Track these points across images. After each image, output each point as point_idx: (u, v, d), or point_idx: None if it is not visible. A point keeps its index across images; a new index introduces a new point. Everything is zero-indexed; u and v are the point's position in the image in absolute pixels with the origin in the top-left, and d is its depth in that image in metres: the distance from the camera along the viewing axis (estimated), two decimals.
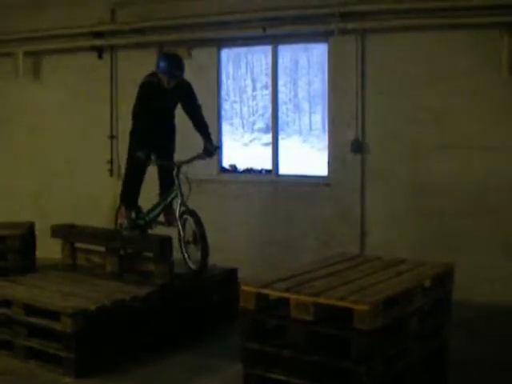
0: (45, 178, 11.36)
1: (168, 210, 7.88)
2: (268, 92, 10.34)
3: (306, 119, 10.42)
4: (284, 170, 9.92)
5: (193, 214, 7.32)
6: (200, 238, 7.18)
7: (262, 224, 9.66)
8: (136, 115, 7.76)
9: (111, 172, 10.87)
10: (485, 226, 8.56)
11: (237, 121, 10.48)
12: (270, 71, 10.11)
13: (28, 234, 8.85)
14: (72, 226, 8.02)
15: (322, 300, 4.92)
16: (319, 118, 10.38)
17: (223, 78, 10.37)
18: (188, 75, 9.93)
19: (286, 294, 5.08)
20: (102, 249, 7.65)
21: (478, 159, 8.59)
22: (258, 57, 10.42)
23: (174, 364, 6.39)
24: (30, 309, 6.38)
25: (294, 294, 5.02)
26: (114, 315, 6.30)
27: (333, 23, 9.04)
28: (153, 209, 7.95)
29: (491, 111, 8.56)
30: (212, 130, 9.77)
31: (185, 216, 7.41)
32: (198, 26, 10.02)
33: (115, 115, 10.85)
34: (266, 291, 5.23)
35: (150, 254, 7.35)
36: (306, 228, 9.46)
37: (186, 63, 10.19)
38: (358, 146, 9.11)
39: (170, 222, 7.88)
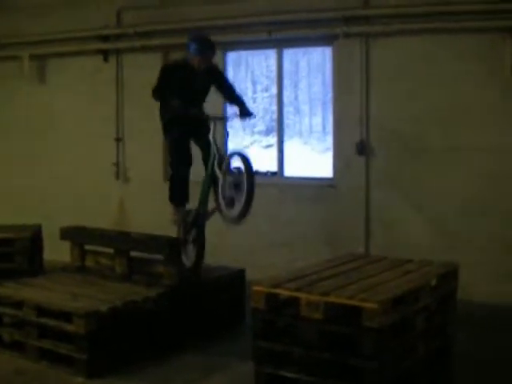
0: (50, 181, 11.42)
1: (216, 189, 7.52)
2: (268, 94, 10.40)
3: (306, 121, 10.44)
4: (288, 172, 10.01)
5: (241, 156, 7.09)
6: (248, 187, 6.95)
7: (269, 226, 9.73)
8: (155, 92, 7.58)
9: (117, 175, 10.95)
10: (488, 226, 8.65)
11: (237, 123, 10.50)
12: (270, 74, 10.22)
13: (36, 237, 8.90)
14: (81, 228, 8.07)
15: (332, 299, 5.01)
16: (319, 121, 10.42)
17: None
18: None
19: (296, 294, 5.17)
20: (112, 250, 7.69)
21: (481, 161, 8.66)
22: (258, 59, 10.46)
23: (185, 364, 6.46)
24: (41, 310, 6.43)
25: (305, 294, 5.11)
26: (125, 316, 6.37)
27: (337, 27, 9.13)
28: (201, 195, 7.73)
29: (495, 114, 8.64)
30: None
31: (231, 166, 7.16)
32: (203, 30, 10.06)
33: (121, 118, 10.93)
34: (276, 291, 5.32)
35: (159, 256, 7.38)
36: (311, 229, 9.53)
37: None
38: (363, 148, 9.19)
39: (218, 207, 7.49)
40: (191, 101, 7.43)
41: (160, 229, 8.09)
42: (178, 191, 7.76)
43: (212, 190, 7.62)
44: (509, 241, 8.53)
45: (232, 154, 7.26)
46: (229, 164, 7.17)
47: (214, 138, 7.41)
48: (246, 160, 6.97)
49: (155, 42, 10.53)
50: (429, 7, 8.83)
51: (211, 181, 7.54)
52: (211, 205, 7.71)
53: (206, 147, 7.59)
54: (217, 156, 7.35)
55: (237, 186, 7.03)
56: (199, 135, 7.67)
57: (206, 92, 7.84)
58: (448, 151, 8.79)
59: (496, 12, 8.53)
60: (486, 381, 5.98)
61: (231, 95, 7.86)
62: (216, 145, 7.40)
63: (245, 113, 7.70)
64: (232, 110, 8.32)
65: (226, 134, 8.57)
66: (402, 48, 9.01)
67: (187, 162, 7.70)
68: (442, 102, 8.86)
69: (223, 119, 7.78)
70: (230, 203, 7.13)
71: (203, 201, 7.67)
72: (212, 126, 7.42)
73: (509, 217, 8.57)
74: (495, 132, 8.62)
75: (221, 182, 7.25)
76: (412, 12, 8.91)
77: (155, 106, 10.34)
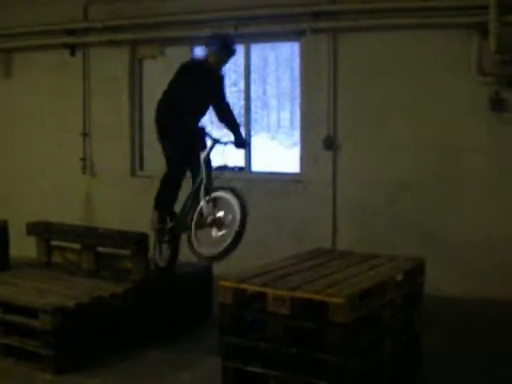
0: (17, 176, 11.35)
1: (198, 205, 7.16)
2: (236, 89, 10.41)
3: (274, 116, 10.48)
4: (255, 167, 10.02)
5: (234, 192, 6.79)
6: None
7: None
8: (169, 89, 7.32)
9: (84, 169, 10.90)
10: (458, 221, 8.73)
11: (205, 118, 10.50)
12: (238, 68, 10.21)
13: (1, 232, 8.81)
14: (47, 224, 8.01)
15: (298, 294, 5.03)
16: (287, 116, 10.46)
17: None
18: (160, 73, 10.04)
19: (263, 289, 5.18)
20: (78, 246, 7.66)
21: (448, 157, 8.74)
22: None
23: (154, 359, 6.44)
24: (7, 306, 6.37)
25: (272, 289, 5.12)
26: (92, 312, 6.34)
27: (305, 23, 9.16)
28: (182, 208, 7.36)
29: (461, 110, 8.71)
30: None
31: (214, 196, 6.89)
32: (170, 25, 10.08)
33: (88, 112, 10.87)
34: (243, 286, 5.33)
35: (127, 252, 7.35)
36: (279, 224, 9.57)
37: (159, 62, 10.34)
38: (331, 143, 9.23)
39: (202, 223, 7.09)
40: (199, 103, 7.27)
41: (127, 224, 8.08)
42: (169, 198, 7.38)
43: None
44: (473, 236, 8.64)
45: (224, 189, 6.96)
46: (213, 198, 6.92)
47: (205, 159, 7.13)
48: (241, 200, 6.68)
49: (123, 36, 10.49)
50: (396, 3, 8.88)
51: (194, 199, 7.19)
52: None
53: (196, 162, 7.21)
54: (204, 181, 7.02)
55: (219, 223, 6.81)
56: (195, 146, 7.25)
57: (213, 96, 7.50)
58: (415, 147, 8.86)
59: (463, 8, 8.61)
60: (452, 375, 6.02)
61: (227, 117, 7.66)
62: (206, 169, 7.09)
63: (239, 143, 7.56)
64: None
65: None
66: (370, 44, 9.06)
67: (185, 166, 7.38)
68: (410, 97, 8.92)
69: (220, 143, 7.28)
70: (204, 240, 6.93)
71: (184, 213, 7.27)
72: (208, 146, 7.18)
73: (472, 213, 8.68)
74: (461, 128, 8.70)
75: (202, 210, 6.96)
76: (379, 7, 8.97)
77: (122, 100, 10.34)
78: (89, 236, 7.60)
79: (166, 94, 7.30)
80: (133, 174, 10.65)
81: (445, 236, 8.73)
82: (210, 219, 6.85)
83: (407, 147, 8.91)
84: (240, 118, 10.24)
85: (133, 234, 7.37)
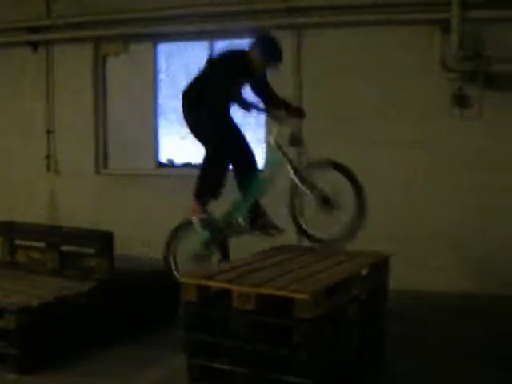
0: None
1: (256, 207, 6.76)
2: None
3: (239, 113, 10.47)
4: None
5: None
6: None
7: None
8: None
9: (48, 167, 10.82)
10: (422, 215, 8.80)
11: (172, 115, 10.46)
12: None
13: None
14: (11, 223, 7.95)
15: (263, 290, 5.03)
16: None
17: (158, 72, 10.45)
18: (124, 70, 10.00)
19: (228, 286, 5.18)
20: (43, 245, 7.58)
21: (412, 152, 8.81)
22: (192, 51, 10.44)
23: (119, 358, 6.40)
24: None
25: (236, 285, 5.12)
26: (57, 311, 6.28)
27: (269, 19, 9.17)
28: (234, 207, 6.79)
29: (423, 105, 8.79)
30: (148, 124, 9.88)
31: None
32: (134, 22, 10.04)
33: (52, 110, 10.80)
34: (208, 283, 5.32)
35: (91, 250, 7.30)
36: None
37: (122, 59, 10.29)
38: (294, 139, 9.22)
39: (263, 226, 6.75)
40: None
41: (92, 222, 8.04)
42: (213, 183, 6.74)
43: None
44: (437, 231, 8.72)
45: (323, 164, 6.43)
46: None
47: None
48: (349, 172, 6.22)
49: (86, 33, 10.43)
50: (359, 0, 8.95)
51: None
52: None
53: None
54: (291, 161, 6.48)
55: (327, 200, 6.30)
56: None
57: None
58: (377, 143, 8.92)
59: (426, 5, 8.69)
60: (418, 368, 6.08)
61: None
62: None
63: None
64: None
65: None
66: (333, 40, 9.11)
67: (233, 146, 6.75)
68: (374, 94, 8.98)
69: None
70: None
71: (242, 211, 6.78)
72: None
73: (435, 207, 8.75)
74: (423, 124, 8.77)
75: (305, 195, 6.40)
76: (343, 4, 9.04)
77: (86, 97, 10.27)
78: (53, 235, 7.53)
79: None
80: (97, 171, 10.60)
81: (409, 230, 8.80)
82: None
83: (371, 143, 8.97)
84: None
85: (97, 232, 7.34)
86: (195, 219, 6.78)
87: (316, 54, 9.18)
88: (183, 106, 6.78)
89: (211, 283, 5.32)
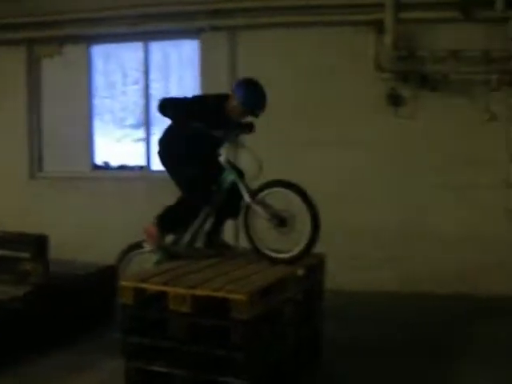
0: None
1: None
2: (138, 88, 10.35)
3: None
4: (155, 165, 9.92)
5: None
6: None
7: (138, 220, 9.65)
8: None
9: None
10: (355, 214, 8.90)
11: (107, 117, 10.41)
12: (140, 67, 10.15)
13: None
14: None
15: (198, 292, 5.04)
16: None
17: (93, 73, 10.38)
18: (59, 72, 9.89)
19: (163, 288, 5.18)
20: None
21: (346, 152, 8.90)
22: (128, 52, 10.39)
23: (54, 362, 6.34)
24: None
25: (172, 287, 5.13)
26: None
27: (203, 20, 9.19)
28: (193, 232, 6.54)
29: (359, 105, 8.90)
30: (83, 126, 9.78)
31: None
32: (68, 23, 9.93)
33: None
34: (144, 286, 5.31)
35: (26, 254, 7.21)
36: None
37: (57, 60, 10.17)
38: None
39: (213, 246, 6.54)
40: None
41: (27, 226, 7.95)
42: (180, 221, 6.55)
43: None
44: (367, 230, 8.85)
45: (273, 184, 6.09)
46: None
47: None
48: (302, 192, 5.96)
49: (20, 34, 10.28)
50: (294, 1, 9.04)
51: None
52: None
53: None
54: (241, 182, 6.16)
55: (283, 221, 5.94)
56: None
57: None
58: (314, 144, 8.99)
59: (361, 6, 8.80)
60: (354, 367, 6.16)
61: None
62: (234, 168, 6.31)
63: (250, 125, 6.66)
64: None
65: None
66: (267, 41, 9.16)
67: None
68: (309, 94, 9.06)
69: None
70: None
71: (195, 234, 6.53)
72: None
73: (367, 206, 8.88)
74: (359, 124, 8.87)
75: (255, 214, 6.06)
76: (277, 5, 9.08)
77: (20, 100, 10.13)
78: None
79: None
80: (31, 175, 10.46)
81: (342, 230, 8.87)
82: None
83: (306, 144, 9.03)
84: (140, 116, 10.23)
85: (32, 237, 7.24)
86: (149, 246, 6.58)
87: (251, 54, 9.21)
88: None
89: (147, 286, 5.31)
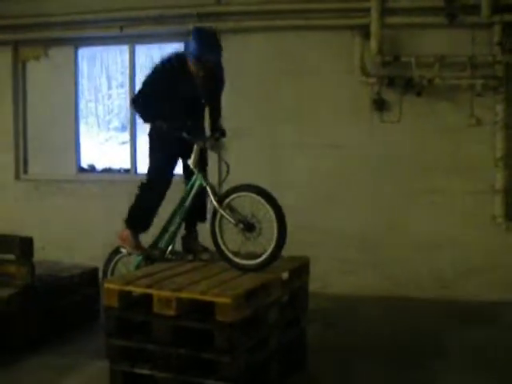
0: None
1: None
2: (124, 90, 10.35)
3: None
4: (140, 169, 9.91)
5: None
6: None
7: (122, 223, 9.66)
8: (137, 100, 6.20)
9: None
10: (340, 218, 8.93)
11: (92, 120, 10.41)
12: (126, 70, 10.15)
13: None
14: None
15: (183, 294, 5.05)
16: None
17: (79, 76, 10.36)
18: (44, 75, 9.85)
19: (148, 290, 5.18)
20: None
21: (332, 155, 8.94)
22: (114, 55, 10.39)
23: (39, 365, 6.31)
24: None
25: (157, 290, 5.13)
26: None
27: (190, 23, 9.17)
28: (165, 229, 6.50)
29: (345, 110, 8.93)
30: (69, 129, 9.76)
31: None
32: (54, 25, 9.91)
33: None
34: (129, 288, 5.32)
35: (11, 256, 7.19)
36: None
37: (43, 63, 10.13)
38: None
39: (190, 250, 6.48)
40: (186, 114, 6.16)
41: (12, 228, 7.92)
42: (146, 213, 6.48)
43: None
44: (352, 234, 8.88)
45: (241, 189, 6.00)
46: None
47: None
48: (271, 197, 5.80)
49: (4, 37, 10.24)
50: (280, 5, 9.04)
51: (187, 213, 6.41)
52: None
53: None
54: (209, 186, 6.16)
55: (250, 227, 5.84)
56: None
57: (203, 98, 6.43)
58: (298, 147, 9.02)
59: (347, 10, 8.83)
60: (339, 370, 6.18)
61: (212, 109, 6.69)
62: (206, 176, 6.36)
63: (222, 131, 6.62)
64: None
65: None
66: (255, 45, 9.18)
67: (171, 175, 6.48)
68: (295, 98, 9.10)
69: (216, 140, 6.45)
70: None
71: (170, 237, 6.45)
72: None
73: (352, 210, 8.91)
74: (344, 128, 8.91)
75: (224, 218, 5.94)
76: (263, 9, 9.11)
77: (6, 102, 10.09)
78: None
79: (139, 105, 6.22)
80: (17, 177, 10.42)
81: (328, 233, 8.90)
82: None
83: (292, 147, 9.06)
84: (125, 119, 10.21)
85: (16, 238, 7.20)
86: (126, 250, 6.61)
87: (237, 58, 9.19)
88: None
89: (131, 288, 5.31)
